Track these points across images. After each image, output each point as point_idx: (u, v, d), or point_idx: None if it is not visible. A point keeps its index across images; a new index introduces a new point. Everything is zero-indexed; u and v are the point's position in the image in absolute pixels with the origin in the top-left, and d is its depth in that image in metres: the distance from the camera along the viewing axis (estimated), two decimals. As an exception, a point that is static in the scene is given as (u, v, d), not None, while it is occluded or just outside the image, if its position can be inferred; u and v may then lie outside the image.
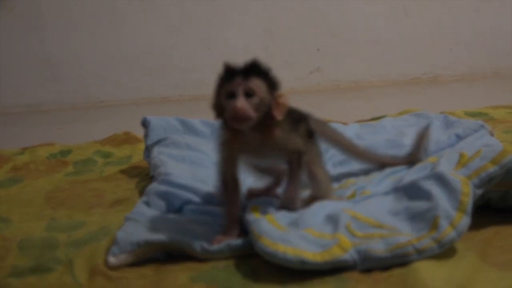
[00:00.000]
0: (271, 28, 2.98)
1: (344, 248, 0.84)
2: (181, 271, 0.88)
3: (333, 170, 1.26)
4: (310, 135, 1.07)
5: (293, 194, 0.98)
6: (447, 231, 0.84)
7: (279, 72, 3.13)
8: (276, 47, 3.00)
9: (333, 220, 0.91)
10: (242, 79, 0.91)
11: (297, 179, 0.99)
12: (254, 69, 0.93)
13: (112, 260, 0.91)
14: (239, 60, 2.79)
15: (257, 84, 0.92)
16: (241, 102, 0.90)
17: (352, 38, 3.03)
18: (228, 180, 1.00)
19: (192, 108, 2.72)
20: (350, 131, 1.55)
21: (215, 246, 0.93)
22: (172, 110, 2.74)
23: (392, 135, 1.44)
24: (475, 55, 3.13)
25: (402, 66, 3.11)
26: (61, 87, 2.91)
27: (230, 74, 0.93)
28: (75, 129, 2.38)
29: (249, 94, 0.91)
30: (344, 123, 1.73)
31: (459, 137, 1.31)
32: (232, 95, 0.92)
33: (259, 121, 0.93)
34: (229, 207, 1.00)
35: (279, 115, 0.94)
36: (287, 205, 0.97)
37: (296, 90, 3.04)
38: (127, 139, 1.81)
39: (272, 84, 0.95)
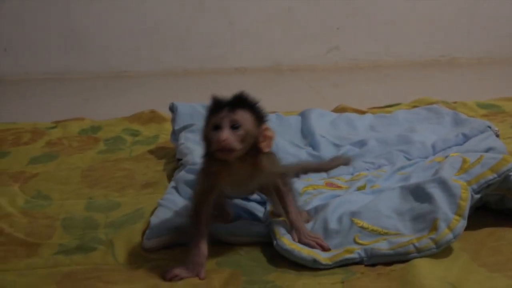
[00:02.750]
0: (291, 5, 3.03)
1: (351, 251, 0.95)
2: (208, 256, 1.00)
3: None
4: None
5: (298, 219, 1.01)
6: (444, 233, 0.94)
7: (298, 49, 3.18)
8: (295, 24, 3.06)
9: (342, 235, 1.01)
10: (228, 111, 0.92)
11: (294, 203, 1.02)
12: (241, 102, 0.94)
13: (147, 243, 1.03)
14: (260, 36, 2.83)
15: (243, 117, 0.92)
16: (226, 134, 0.90)
17: (371, 18, 3.08)
18: (202, 212, 0.98)
19: (213, 82, 2.81)
20: (364, 122, 1.64)
21: (239, 228, 1.04)
22: (194, 83, 2.84)
23: (403, 129, 1.54)
24: (492, 38, 3.17)
25: (419, 47, 3.15)
26: (85, 57, 3.00)
27: (217, 107, 0.93)
28: (100, 100, 2.49)
29: (234, 127, 0.91)
30: (360, 112, 1.82)
31: (466, 137, 1.40)
32: (218, 127, 0.92)
33: (246, 152, 0.93)
34: (198, 240, 0.96)
35: (266, 148, 0.95)
36: (298, 232, 1.00)
37: (314, 68, 3.11)
38: (153, 117, 1.92)
39: (259, 116, 0.95)
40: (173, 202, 1.16)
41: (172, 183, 1.26)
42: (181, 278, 0.93)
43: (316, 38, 3.10)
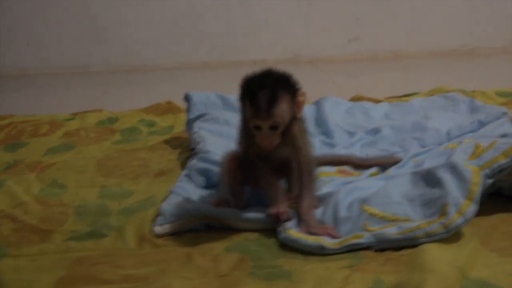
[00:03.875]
0: (311, -4, 3.02)
1: (360, 236, 0.95)
2: (217, 242, 1.01)
3: (361, 151, 1.36)
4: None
5: (308, 211, 1.02)
6: (454, 218, 0.93)
7: (317, 39, 3.16)
8: (315, 15, 3.05)
9: (352, 221, 1.00)
10: (266, 113, 0.96)
11: (310, 194, 1.04)
12: (275, 85, 0.97)
13: (157, 229, 1.04)
14: (278, 27, 2.82)
15: (280, 113, 0.97)
16: (267, 140, 0.98)
17: (391, 8, 3.05)
18: (257, 161, 1.06)
19: (232, 74, 2.80)
20: (380, 110, 1.63)
21: (250, 215, 1.04)
22: (212, 76, 2.85)
23: (418, 116, 1.52)
24: (515, 28, 3.12)
25: (440, 37, 3.12)
26: (105, 50, 3.03)
27: (255, 96, 0.96)
28: (120, 93, 2.51)
29: (274, 127, 0.98)
30: (376, 101, 1.81)
31: (481, 123, 1.38)
32: (258, 128, 0.98)
33: None
34: (269, 181, 1.06)
35: (299, 114, 1.02)
36: (306, 223, 1.01)
37: (334, 59, 3.09)
38: (170, 108, 1.93)
39: (293, 92, 0.99)
40: (184, 189, 1.17)
41: (185, 171, 1.27)
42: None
43: (336, 29, 3.09)
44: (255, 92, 0.97)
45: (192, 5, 2.99)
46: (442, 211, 0.95)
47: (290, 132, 1.02)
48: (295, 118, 1.02)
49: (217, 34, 3.04)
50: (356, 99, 1.86)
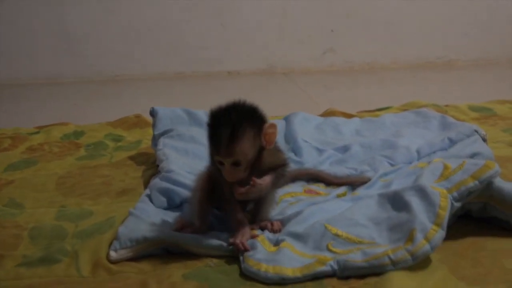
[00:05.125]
0: (285, 7, 3.00)
1: (323, 262, 0.91)
2: (175, 268, 0.96)
3: (330, 169, 1.32)
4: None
5: (267, 183, 1.01)
6: (421, 244, 0.90)
7: (292, 51, 3.15)
8: (290, 27, 3.03)
9: (314, 239, 0.97)
10: (226, 151, 0.95)
11: (277, 175, 1.03)
12: (239, 118, 0.95)
13: (113, 254, 0.99)
14: (253, 38, 2.80)
15: (241, 150, 0.95)
16: (230, 175, 0.97)
17: (366, 19, 3.05)
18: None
19: (205, 86, 2.77)
20: (350, 126, 1.60)
21: (208, 242, 1.00)
22: (186, 87, 2.80)
23: (389, 134, 1.49)
24: (490, 40, 3.13)
25: (416, 49, 3.12)
26: (78, 61, 2.97)
27: (216, 132, 0.95)
28: (90, 105, 2.45)
29: (236, 163, 0.96)
30: (348, 115, 1.78)
31: (452, 141, 1.36)
32: (221, 163, 0.98)
33: None
34: (234, 213, 1.04)
35: (269, 145, 0.99)
36: (257, 189, 1.00)
37: (309, 70, 3.07)
38: (138, 122, 1.88)
39: (259, 126, 0.98)
40: (144, 211, 1.12)
41: (147, 191, 1.22)
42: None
43: (311, 40, 3.07)
44: (216, 130, 0.96)
45: (165, 15, 2.95)
46: (409, 237, 0.92)
47: (262, 162, 1.00)
48: (263, 149, 0.99)
49: (191, 45, 3.00)
50: (328, 113, 1.83)
